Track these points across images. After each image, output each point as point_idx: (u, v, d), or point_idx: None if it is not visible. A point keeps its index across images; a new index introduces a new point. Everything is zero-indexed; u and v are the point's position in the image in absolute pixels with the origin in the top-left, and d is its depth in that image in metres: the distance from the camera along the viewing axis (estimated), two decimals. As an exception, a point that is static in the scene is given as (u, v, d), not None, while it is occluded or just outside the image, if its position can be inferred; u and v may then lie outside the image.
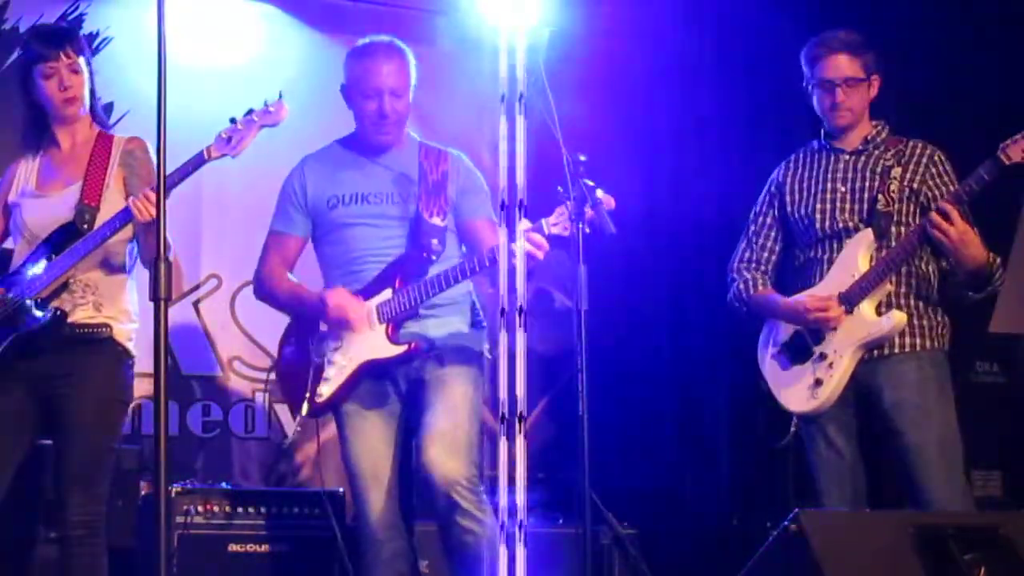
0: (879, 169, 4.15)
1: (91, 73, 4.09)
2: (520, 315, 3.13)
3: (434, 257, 4.01)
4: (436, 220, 4.04)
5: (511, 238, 3.33)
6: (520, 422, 3.09)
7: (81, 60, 4.02)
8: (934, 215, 3.90)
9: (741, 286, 4.29)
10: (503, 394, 3.12)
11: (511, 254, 3.26)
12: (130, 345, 4.02)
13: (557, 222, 3.69)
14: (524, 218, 3.73)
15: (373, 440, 4.01)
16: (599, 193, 3.74)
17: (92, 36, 5.49)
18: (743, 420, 5.72)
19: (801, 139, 4.57)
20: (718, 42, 6.03)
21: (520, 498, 3.08)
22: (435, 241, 4.02)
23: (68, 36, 4.06)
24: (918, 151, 4.17)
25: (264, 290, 4.24)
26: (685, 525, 5.60)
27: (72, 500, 3.85)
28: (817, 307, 4.04)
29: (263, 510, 4.67)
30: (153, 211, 3.76)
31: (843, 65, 4.14)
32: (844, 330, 4.03)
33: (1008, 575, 3.31)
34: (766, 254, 4.30)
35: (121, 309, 4.02)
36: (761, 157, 5.34)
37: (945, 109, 5.21)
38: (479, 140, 4.48)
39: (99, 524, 3.89)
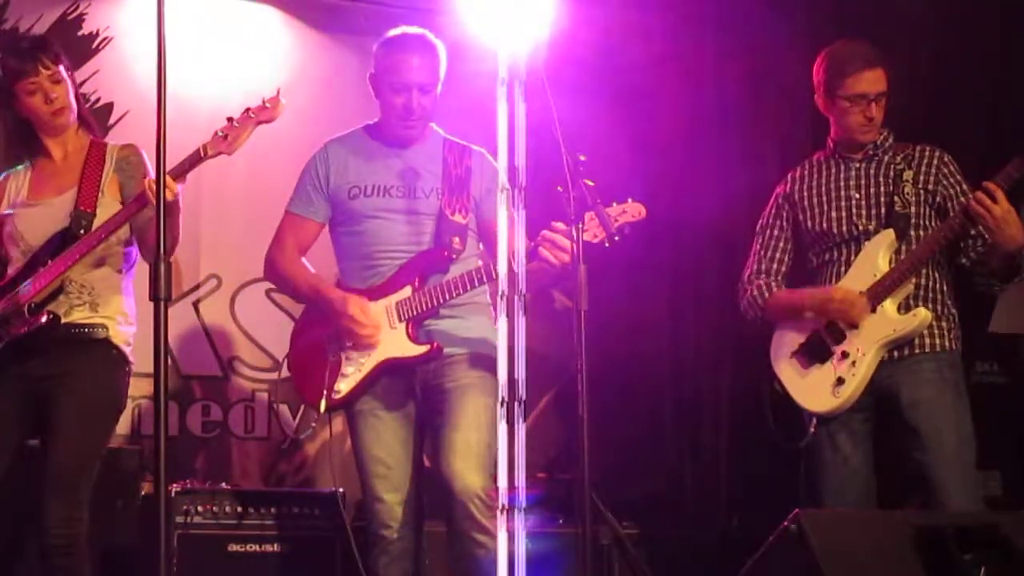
0: (891, 174, 4.16)
1: (72, 76, 4.07)
2: (520, 299, 3.13)
3: (455, 256, 4.00)
4: (458, 218, 4.03)
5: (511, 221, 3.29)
6: (520, 405, 3.07)
7: (60, 68, 4.01)
8: (979, 193, 3.89)
9: (755, 292, 4.28)
10: (502, 377, 3.11)
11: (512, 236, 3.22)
12: (127, 350, 4.01)
13: (587, 228, 3.67)
14: (556, 221, 3.75)
15: (388, 439, 3.99)
16: (629, 203, 3.74)
17: (92, 36, 5.50)
18: (743, 421, 5.72)
19: (800, 140, 4.58)
20: (718, 42, 6.03)
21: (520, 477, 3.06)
22: (456, 239, 4.00)
23: (42, 47, 4.02)
24: (927, 154, 4.18)
25: (277, 272, 4.18)
26: (685, 525, 5.60)
27: (52, 505, 3.82)
28: (844, 298, 4.03)
29: (263, 510, 4.67)
30: (167, 194, 3.75)
31: (879, 79, 4.12)
32: (867, 328, 4.03)
33: (1008, 575, 3.31)
34: (775, 265, 4.30)
35: (118, 311, 4.01)
36: (760, 157, 5.36)
37: (943, 110, 5.21)
38: (479, 141, 4.47)
39: (80, 531, 3.85)
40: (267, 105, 3.86)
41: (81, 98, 4.17)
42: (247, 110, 3.87)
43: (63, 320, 3.91)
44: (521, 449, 3.10)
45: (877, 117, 4.14)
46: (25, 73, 3.96)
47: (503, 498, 3.11)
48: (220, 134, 3.85)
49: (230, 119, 3.86)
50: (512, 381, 3.10)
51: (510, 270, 3.17)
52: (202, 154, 3.85)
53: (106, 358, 3.97)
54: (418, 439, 4.05)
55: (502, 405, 3.15)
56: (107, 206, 3.96)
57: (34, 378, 3.93)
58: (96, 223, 3.93)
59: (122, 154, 4.06)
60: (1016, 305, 4.96)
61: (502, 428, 3.11)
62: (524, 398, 3.13)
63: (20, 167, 4.13)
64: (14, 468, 3.96)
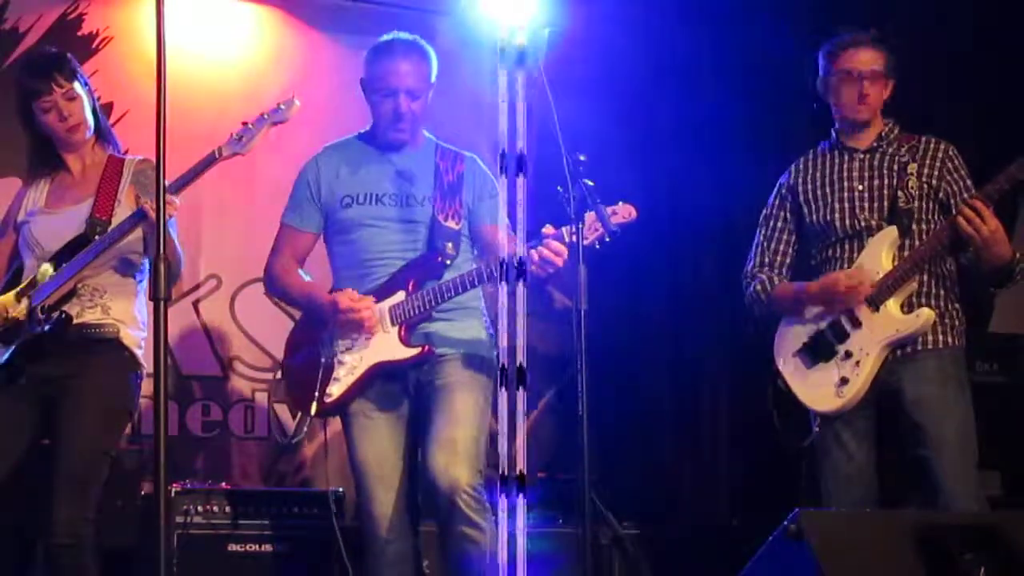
0: (895, 166, 4.14)
1: (90, 92, 4.10)
2: (519, 268, 3.12)
3: (448, 261, 4.01)
4: (451, 223, 4.04)
5: (512, 197, 3.28)
6: (520, 374, 3.06)
7: (76, 85, 4.04)
8: (966, 211, 3.90)
9: (758, 287, 4.26)
10: (503, 343, 3.09)
11: (513, 210, 3.21)
12: (139, 353, 4.03)
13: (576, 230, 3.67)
14: (548, 223, 3.76)
15: (381, 441, 4.00)
16: (619, 205, 3.76)
17: (92, 36, 5.50)
18: (743, 420, 5.72)
19: (801, 139, 4.56)
20: (718, 42, 6.03)
21: (519, 455, 3.04)
22: (449, 245, 4.02)
23: (56, 64, 4.05)
24: (932, 147, 4.17)
25: (275, 286, 4.24)
26: (685, 525, 5.60)
27: (60, 506, 3.83)
28: (849, 280, 4.03)
29: (263, 510, 4.68)
30: (171, 210, 3.78)
31: (870, 58, 4.13)
32: (871, 328, 4.02)
33: (1008, 575, 3.31)
34: (779, 257, 4.28)
35: (130, 315, 4.04)
36: (761, 157, 5.35)
37: (945, 110, 5.21)
38: (479, 141, 4.47)
39: (87, 531, 3.86)
40: (281, 107, 3.91)
41: (102, 112, 4.21)
42: (261, 113, 3.92)
43: (75, 321, 3.93)
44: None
45: (871, 96, 4.14)
46: (39, 92, 4.01)
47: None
48: (235, 136, 3.89)
49: (244, 123, 3.91)
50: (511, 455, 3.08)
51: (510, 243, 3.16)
52: (217, 156, 3.89)
53: (117, 360, 3.99)
54: (412, 440, 4.05)
55: (501, 372, 3.11)
56: (123, 216, 3.99)
57: (46, 379, 3.95)
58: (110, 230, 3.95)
59: (139, 167, 4.10)
60: (1016, 305, 4.96)
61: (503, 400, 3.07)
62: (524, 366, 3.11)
63: (40, 180, 4.16)
64: (26, 468, 3.97)
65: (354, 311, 3.95)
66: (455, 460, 3.84)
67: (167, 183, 3.78)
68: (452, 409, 3.92)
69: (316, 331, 4.07)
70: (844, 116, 4.19)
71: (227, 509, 4.64)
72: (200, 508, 4.60)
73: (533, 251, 3.77)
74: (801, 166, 4.30)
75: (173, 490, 4.56)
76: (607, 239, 3.63)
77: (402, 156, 4.13)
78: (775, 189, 4.34)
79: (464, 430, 3.90)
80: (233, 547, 4.62)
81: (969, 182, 4.11)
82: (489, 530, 3.81)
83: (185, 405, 5.52)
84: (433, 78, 4.07)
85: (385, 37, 4.12)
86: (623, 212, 3.79)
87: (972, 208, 3.89)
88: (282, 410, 5.60)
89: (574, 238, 3.54)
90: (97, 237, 3.94)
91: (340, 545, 4.19)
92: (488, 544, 3.81)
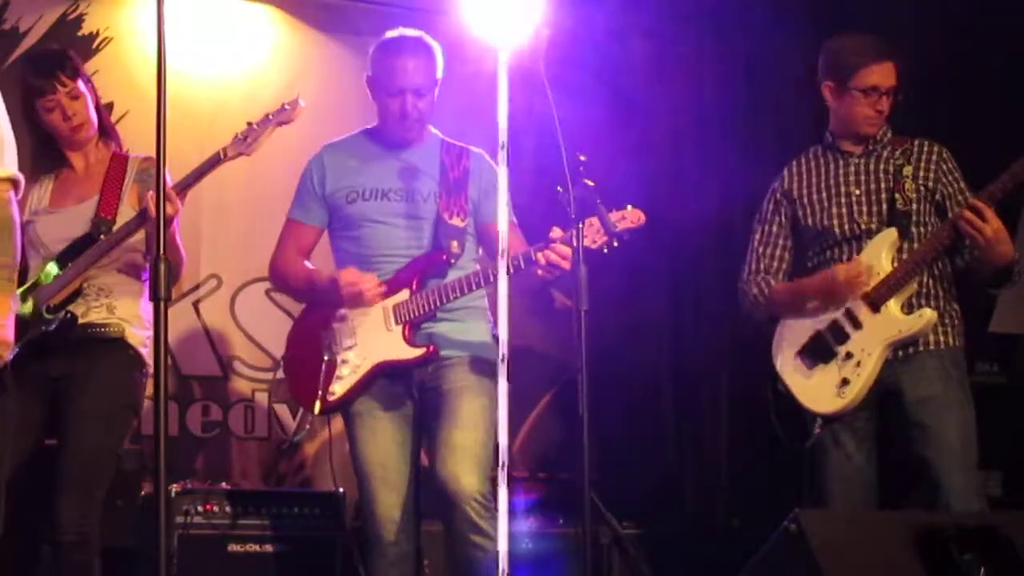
0: (890, 169, 4.14)
1: (92, 90, 4.10)
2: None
3: (452, 260, 4.00)
4: (456, 221, 4.03)
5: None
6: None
7: (79, 83, 4.04)
8: (967, 212, 3.90)
9: (756, 292, 4.24)
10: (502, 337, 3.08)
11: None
12: (144, 352, 4.04)
13: (586, 235, 3.66)
14: (555, 226, 3.75)
15: (385, 441, 3.99)
16: (628, 209, 3.75)
17: (92, 36, 5.50)
18: (743, 420, 5.72)
19: (800, 138, 4.56)
20: (718, 42, 6.03)
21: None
22: (454, 243, 4.01)
23: (60, 63, 4.06)
24: (925, 149, 4.16)
25: (279, 278, 4.24)
26: (685, 525, 5.61)
27: (66, 503, 3.85)
28: (848, 272, 4.01)
29: (263, 510, 4.67)
30: (171, 209, 3.79)
31: (891, 73, 4.09)
32: (872, 329, 4.01)
33: (1008, 575, 3.31)
34: (776, 262, 4.26)
35: (135, 314, 4.06)
36: (760, 157, 5.35)
37: (945, 112, 5.21)
38: (478, 141, 4.47)
39: (92, 530, 3.88)
40: (286, 107, 3.93)
41: (103, 109, 4.22)
42: (267, 114, 3.92)
43: (80, 320, 3.94)
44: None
45: (885, 111, 4.13)
46: (43, 90, 4.02)
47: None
48: (240, 136, 3.90)
49: (249, 123, 3.92)
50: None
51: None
52: (222, 156, 3.90)
53: (122, 358, 4.00)
54: (416, 441, 4.05)
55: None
56: (126, 215, 4.01)
57: (52, 378, 3.96)
58: (115, 229, 3.96)
59: (143, 166, 4.10)
60: (1016, 305, 4.97)
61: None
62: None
63: (43, 178, 4.17)
64: (31, 467, 3.96)
65: (355, 284, 3.94)
66: (463, 467, 3.84)
67: (173, 184, 3.83)
68: (459, 414, 3.91)
69: (319, 327, 4.06)
70: (857, 130, 4.16)
71: (227, 509, 4.64)
72: (200, 508, 4.60)
73: (540, 255, 3.76)
74: (795, 170, 4.29)
75: (173, 490, 4.56)
76: (615, 243, 3.62)
77: (408, 152, 4.12)
78: (768, 193, 4.32)
79: (471, 435, 3.88)
80: (233, 547, 4.61)
81: (963, 184, 4.12)
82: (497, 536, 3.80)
83: (185, 405, 5.52)
84: (440, 74, 4.07)
85: (391, 33, 4.11)
86: (632, 217, 3.76)
87: (974, 208, 3.89)
88: (282, 410, 5.60)
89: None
90: (102, 236, 3.94)
91: (341, 548, 4.17)
92: (495, 553, 3.79)
